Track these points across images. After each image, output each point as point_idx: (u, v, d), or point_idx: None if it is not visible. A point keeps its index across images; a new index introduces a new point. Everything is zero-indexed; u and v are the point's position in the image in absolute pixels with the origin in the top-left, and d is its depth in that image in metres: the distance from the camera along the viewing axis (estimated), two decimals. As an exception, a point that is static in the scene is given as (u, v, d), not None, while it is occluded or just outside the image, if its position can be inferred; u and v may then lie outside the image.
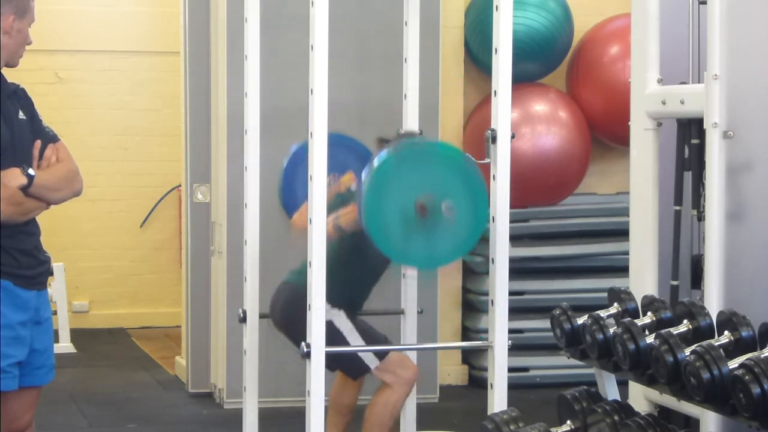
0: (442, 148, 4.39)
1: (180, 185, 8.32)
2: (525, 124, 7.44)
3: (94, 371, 8.23)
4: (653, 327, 3.76)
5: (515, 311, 5.76)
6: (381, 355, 5.00)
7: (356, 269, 5.05)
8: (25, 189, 3.91)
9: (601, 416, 3.63)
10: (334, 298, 4.72)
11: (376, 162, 4.26)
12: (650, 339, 3.58)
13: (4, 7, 3.92)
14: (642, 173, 4.90)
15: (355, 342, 5.00)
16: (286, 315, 5.06)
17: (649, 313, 3.84)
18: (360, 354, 4.98)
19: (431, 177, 4.25)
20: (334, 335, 4.90)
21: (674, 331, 3.57)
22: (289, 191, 5.38)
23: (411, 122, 5.32)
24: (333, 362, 4.89)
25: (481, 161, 4.28)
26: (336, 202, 4.88)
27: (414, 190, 4.23)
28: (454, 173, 4.29)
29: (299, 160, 5.26)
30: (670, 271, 4.84)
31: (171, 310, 9.45)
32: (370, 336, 5.05)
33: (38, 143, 4.02)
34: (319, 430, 4.20)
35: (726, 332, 3.50)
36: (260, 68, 5.06)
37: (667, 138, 4.86)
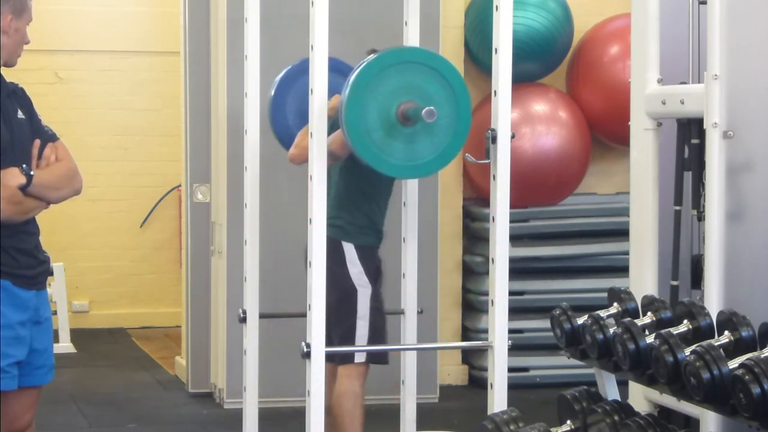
0: (424, 54, 4.35)
1: (180, 185, 8.32)
2: (525, 124, 7.45)
3: (94, 371, 8.24)
4: (653, 327, 3.76)
5: (515, 311, 5.76)
6: (376, 337, 5.10)
7: (363, 194, 5.13)
8: (24, 188, 3.91)
9: (601, 416, 3.63)
10: (353, 235, 4.98)
11: (356, 71, 4.24)
12: (650, 339, 3.58)
13: (1, 6, 3.92)
14: (642, 173, 4.90)
15: (361, 329, 5.08)
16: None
17: (649, 313, 3.84)
18: (358, 341, 5.08)
19: (412, 84, 4.20)
20: (350, 308, 5.05)
21: (674, 331, 3.56)
22: (280, 121, 5.41)
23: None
24: (332, 329, 4.96)
25: (481, 161, 4.28)
26: (327, 129, 4.86)
27: (395, 98, 4.17)
28: (436, 79, 4.25)
29: (286, 86, 5.31)
30: (670, 271, 4.83)
31: (171, 310, 9.45)
32: (376, 336, 5.12)
33: (37, 142, 4.02)
34: (319, 430, 4.20)
35: (726, 332, 3.50)
36: (260, 68, 5.06)
37: (667, 138, 4.86)
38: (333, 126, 4.86)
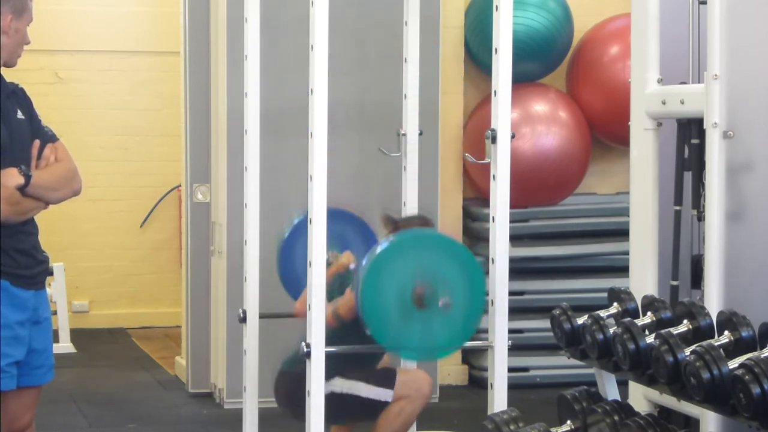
0: (440, 240, 4.47)
1: (180, 185, 8.32)
2: (525, 124, 7.44)
3: (94, 371, 8.23)
4: (653, 327, 3.76)
5: (515, 311, 5.76)
6: (391, 385, 4.97)
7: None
8: (22, 189, 3.91)
9: (601, 416, 3.63)
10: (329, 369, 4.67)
11: (374, 253, 4.30)
12: (650, 339, 3.58)
13: (1, 6, 3.92)
14: (642, 173, 4.90)
15: (367, 391, 4.97)
16: (292, 402, 5.01)
17: (649, 313, 3.84)
18: (372, 397, 4.96)
19: (429, 267, 4.30)
20: (344, 401, 4.90)
21: (674, 331, 3.57)
22: (288, 268, 5.34)
23: (411, 122, 5.32)
24: (353, 415, 4.99)
25: (481, 161, 4.29)
26: (335, 283, 4.90)
27: (411, 281, 4.28)
28: (453, 264, 4.34)
29: (299, 235, 5.17)
30: (670, 271, 4.83)
31: (171, 310, 9.45)
32: (374, 375, 5.03)
33: (37, 143, 4.01)
34: (319, 430, 4.20)
35: (726, 332, 3.50)
36: (260, 68, 5.06)
37: (667, 138, 4.86)
38: (343, 283, 4.88)
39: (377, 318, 4.25)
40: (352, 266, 4.91)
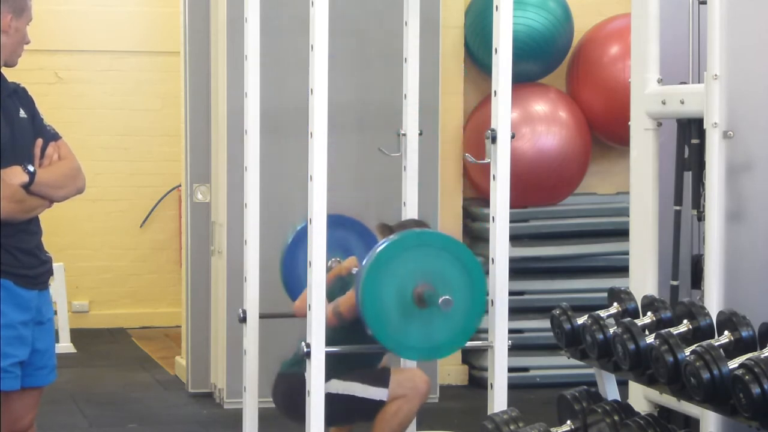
0: (441, 238, 4.48)
1: (180, 185, 8.32)
2: (525, 124, 7.45)
3: (94, 371, 8.24)
4: (653, 327, 3.77)
5: (515, 311, 5.76)
6: (385, 384, 4.97)
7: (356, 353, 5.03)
8: (26, 186, 3.92)
9: (601, 416, 3.63)
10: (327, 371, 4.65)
11: (375, 251, 4.29)
12: (650, 339, 3.58)
13: (1, 6, 3.92)
14: (642, 173, 4.90)
15: (362, 391, 4.97)
16: (290, 404, 5.02)
17: (649, 313, 3.84)
18: (368, 397, 4.96)
19: (430, 267, 4.31)
20: (341, 402, 4.89)
21: (674, 331, 3.57)
22: (290, 272, 5.34)
23: (411, 122, 5.32)
24: (350, 416, 4.99)
25: (481, 161, 4.29)
26: (336, 285, 4.90)
27: (412, 280, 4.28)
28: (454, 264, 4.34)
29: (302, 239, 5.12)
30: (670, 271, 4.84)
31: (171, 310, 9.45)
32: (369, 375, 5.02)
33: (40, 141, 4.02)
34: (319, 430, 4.21)
35: (726, 332, 3.50)
36: (260, 68, 5.07)
37: (667, 138, 4.86)
38: (344, 286, 4.89)
39: (377, 316, 4.25)
40: (354, 270, 4.91)
